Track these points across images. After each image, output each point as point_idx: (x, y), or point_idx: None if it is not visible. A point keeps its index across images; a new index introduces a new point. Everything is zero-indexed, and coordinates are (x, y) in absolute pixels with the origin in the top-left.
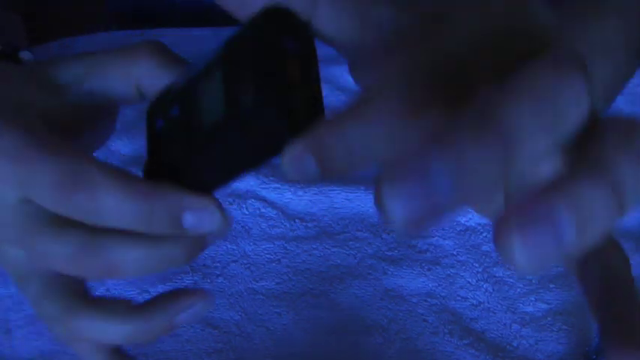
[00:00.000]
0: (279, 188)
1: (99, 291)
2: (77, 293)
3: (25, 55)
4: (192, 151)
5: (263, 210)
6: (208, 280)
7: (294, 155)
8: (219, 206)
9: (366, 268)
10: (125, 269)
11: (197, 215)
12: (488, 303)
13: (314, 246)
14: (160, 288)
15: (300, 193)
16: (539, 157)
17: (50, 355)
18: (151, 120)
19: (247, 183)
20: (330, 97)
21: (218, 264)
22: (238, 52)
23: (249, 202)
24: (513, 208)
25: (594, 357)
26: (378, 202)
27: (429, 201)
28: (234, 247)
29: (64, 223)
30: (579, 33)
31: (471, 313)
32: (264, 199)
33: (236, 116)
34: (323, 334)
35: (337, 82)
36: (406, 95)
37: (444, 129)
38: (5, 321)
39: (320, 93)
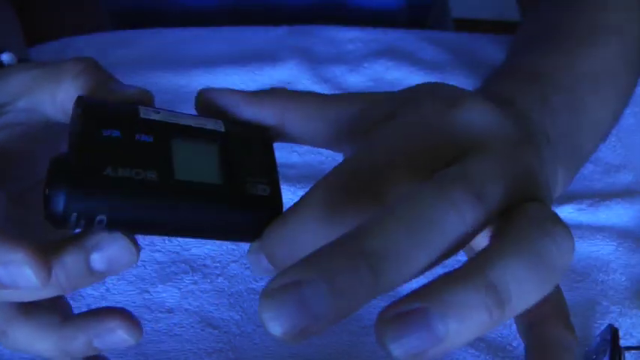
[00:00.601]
0: None
1: (99, 290)
2: (14, 304)
3: (5, 57)
4: (159, 189)
5: None
6: (208, 280)
7: (253, 254)
8: (42, 258)
9: None
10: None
11: (7, 270)
12: None
13: None
14: (160, 288)
15: (300, 192)
16: (416, 273)
17: None
18: (91, 119)
19: None
20: None
21: (218, 264)
22: (241, 147)
23: None
24: (391, 307)
25: (594, 357)
26: (260, 314)
27: (305, 320)
28: (234, 247)
29: None
30: (578, 64)
31: None
32: None
33: (234, 191)
34: (322, 334)
35: (337, 82)
36: (321, 205)
37: (319, 252)
38: None
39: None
